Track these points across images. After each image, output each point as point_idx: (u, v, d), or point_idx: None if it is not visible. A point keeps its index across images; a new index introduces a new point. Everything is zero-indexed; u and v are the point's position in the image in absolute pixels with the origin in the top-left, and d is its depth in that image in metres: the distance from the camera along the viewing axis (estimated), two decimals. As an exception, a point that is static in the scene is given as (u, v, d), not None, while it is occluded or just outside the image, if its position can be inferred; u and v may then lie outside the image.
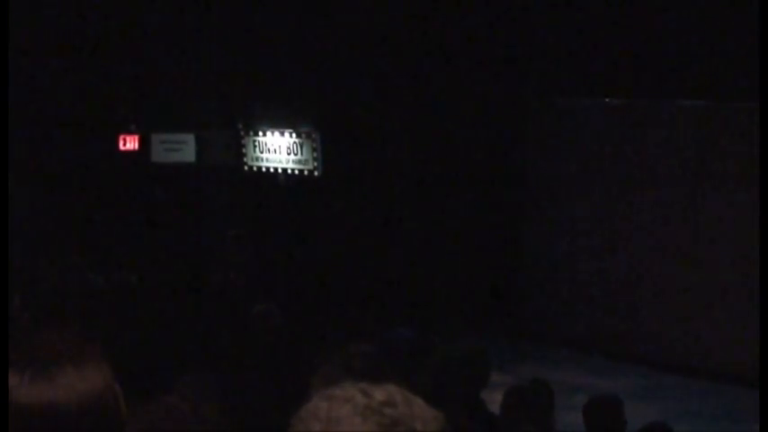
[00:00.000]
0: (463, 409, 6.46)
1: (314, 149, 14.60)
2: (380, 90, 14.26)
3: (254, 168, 15.36)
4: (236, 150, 15.38)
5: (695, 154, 12.44)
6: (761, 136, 9.67)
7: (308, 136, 14.66)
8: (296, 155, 14.83)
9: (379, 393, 2.05)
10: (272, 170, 15.13)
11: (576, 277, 13.38)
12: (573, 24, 12.62)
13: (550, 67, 13.06)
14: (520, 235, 14.14)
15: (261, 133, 15.14)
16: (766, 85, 8.80)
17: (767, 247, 10.11)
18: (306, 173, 14.72)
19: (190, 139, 15.27)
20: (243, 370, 7.48)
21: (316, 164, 14.58)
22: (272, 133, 15.04)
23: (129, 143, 15.15)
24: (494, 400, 6.41)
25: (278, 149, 15.01)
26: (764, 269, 10.09)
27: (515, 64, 13.47)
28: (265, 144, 15.15)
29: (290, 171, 14.89)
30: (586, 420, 5.89)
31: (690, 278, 12.40)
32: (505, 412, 6.04)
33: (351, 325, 12.79)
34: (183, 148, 15.26)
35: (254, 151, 15.30)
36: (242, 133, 15.32)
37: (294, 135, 14.79)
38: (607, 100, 13.17)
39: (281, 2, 14.44)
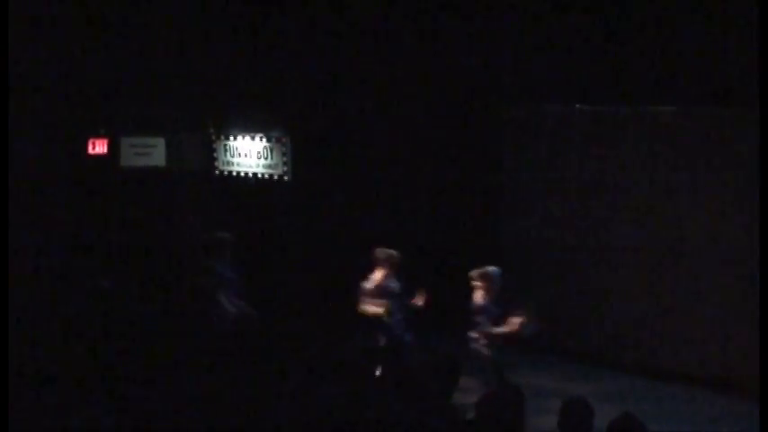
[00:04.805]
0: (435, 411, 6.46)
1: (284, 154, 14.56)
2: (351, 95, 14.23)
3: (225, 173, 15.29)
4: (207, 154, 15.31)
5: (668, 159, 12.50)
6: (761, 138, 9.69)
7: (279, 140, 14.61)
8: (266, 159, 14.78)
9: None
10: (242, 174, 15.07)
11: (550, 283, 13.38)
12: (548, 33, 12.67)
13: (525, 73, 13.10)
14: (494, 239, 14.13)
15: (232, 137, 15.08)
16: (766, 88, 8.82)
17: (767, 249, 10.16)
18: (276, 177, 14.66)
19: (160, 143, 15.20)
20: (218, 372, 7.46)
21: (286, 168, 14.53)
22: (243, 137, 14.97)
23: (98, 147, 15.04)
24: (466, 405, 6.39)
25: (248, 154, 14.96)
26: (764, 270, 10.11)
27: (489, 69, 13.48)
28: (236, 148, 15.09)
29: (260, 175, 14.83)
30: (560, 424, 5.89)
31: (663, 282, 12.44)
32: (477, 416, 6.04)
33: (324, 328, 12.72)
34: (152, 153, 15.19)
35: (225, 155, 15.23)
36: (213, 137, 15.25)
37: (265, 139, 14.74)
38: (578, 106, 13.23)
39: (252, 6, 14.39)
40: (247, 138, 14.91)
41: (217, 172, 15.34)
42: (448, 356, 7.10)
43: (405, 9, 13.76)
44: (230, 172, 15.21)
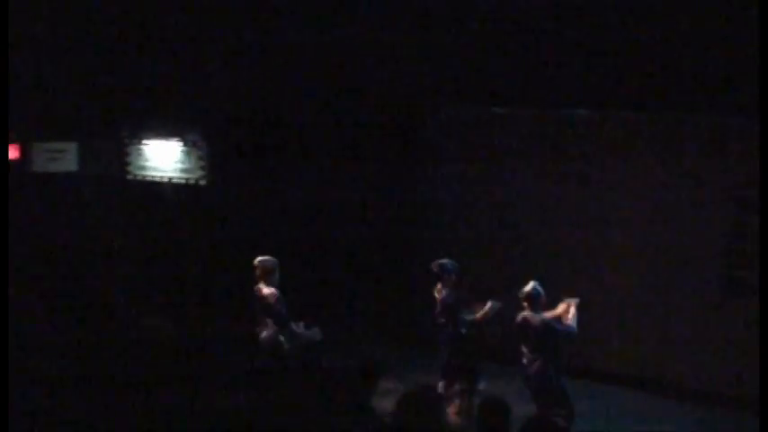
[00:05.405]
0: (353, 416, 6.46)
1: (200, 158, 14.42)
2: (268, 98, 14.16)
3: (139, 177, 15.09)
4: (120, 159, 15.10)
5: (579, 160, 12.69)
6: (761, 141, 9.84)
7: (195, 145, 14.47)
8: (182, 164, 14.62)
9: None
10: (157, 179, 14.89)
11: (468, 283, 13.45)
12: (464, 37, 12.76)
13: (442, 77, 13.20)
14: (412, 242, 14.18)
15: (146, 142, 14.89)
16: (766, 94, 8.98)
17: (767, 251, 10.36)
18: (192, 182, 14.52)
19: (71, 147, 14.95)
20: (135, 381, 7.41)
21: (202, 173, 14.40)
22: (158, 142, 14.80)
23: (9, 152, 14.74)
24: (386, 408, 6.40)
25: (163, 158, 14.78)
26: (764, 272, 10.25)
27: (408, 74, 13.54)
28: (150, 153, 14.90)
29: (175, 180, 14.67)
30: (477, 423, 5.94)
31: (581, 281, 12.60)
32: (396, 419, 6.05)
33: (242, 334, 12.62)
34: (64, 158, 14.94)
35: (139, 160, 15.04)
36: (126, 141, 15.04)
37: (180, 144, 14.59)
38: (494, 109, 13.35)
39: (166, 8, 14.23)
40: (162, 142, 14.74)
41: (130, 176, 15.13)
42: (366, 359, 7.10)
43: (324, 14, 13.74)
44: (144, 177, 15.02)
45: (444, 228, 13.89)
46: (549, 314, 9.59)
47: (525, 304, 9.46)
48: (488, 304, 10.28)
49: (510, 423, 5.97)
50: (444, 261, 10.50)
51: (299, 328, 10.26)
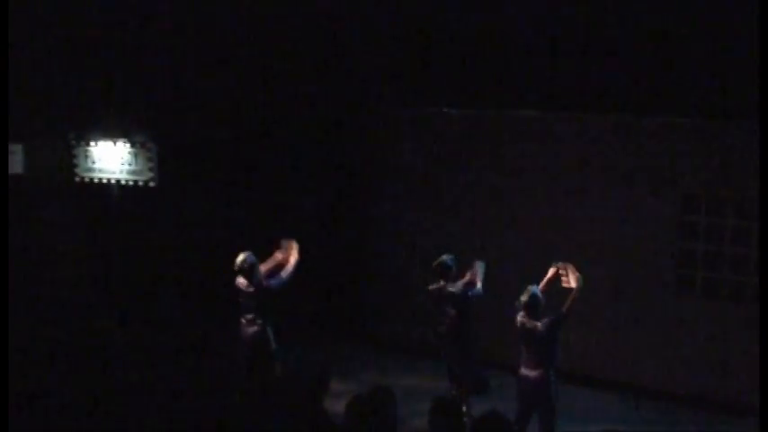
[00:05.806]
0: (305, 418, 6.39)
1: (149, 159, 14.25)
2: (218, 99, 14.05)
3: (87, 179, 14.89)
4: (67, 161, 14.88)
5: (529, 160, 12.73)
6: (761, 145, 9.84)
7: (143, 146, 14.30)
8: (130, 165, 14.44)
9: None
10: (105, 181, 14.70)
11: (418, 283, 13.44)
12: (419, 39, 12.78)
13: (393, 78, 13.19)
14: (363, 243, 14.15)
15: (93, 143, 14.69)
16: (766, 97, 9.02)
17: (767, 253, 10.37)
18: (141, 183, 14.34)
19: (17, 149, 14.70)
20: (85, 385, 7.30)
21: (152, 174, 14.23)
22: (105, 143, 14.60)
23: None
24: (337, 409, 6.34)
25: (111, 160, 14.59)
26: (764, 274, 10.27)
27: (357, 73, 13.51)
28: (98, 154, 14.70)
29: (124, 182, 14.49)
30: (430, 423, 5.91)
31: (534, 280, 12.62)
32: (348, 420, 5.99)
33: (194, 337, 12.51)
34: (10, 160, 14.67)
35: (86, 162, 14.83)
36: (73, 143, 14.82)
37: (128, 145, 14.41)
38: (445, 110, 13.36)
39: (111, 8, 14.06)
40: (109, 143, 14.55)
41: (78, 179, 14.92)
42: (318, 361, 7.06)
43: (272, 12, 13.66)
44: (92, 179, 14.81)
45: (395, 226, 13.87)
46: (541, 285, 9.59)
47: (523, 312, 9.38)
48: (475, 265, 10.28)
49: (462, 423, 5.96)
50: (443, 258, 10.46)
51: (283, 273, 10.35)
